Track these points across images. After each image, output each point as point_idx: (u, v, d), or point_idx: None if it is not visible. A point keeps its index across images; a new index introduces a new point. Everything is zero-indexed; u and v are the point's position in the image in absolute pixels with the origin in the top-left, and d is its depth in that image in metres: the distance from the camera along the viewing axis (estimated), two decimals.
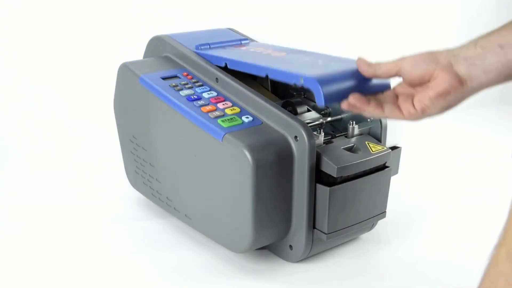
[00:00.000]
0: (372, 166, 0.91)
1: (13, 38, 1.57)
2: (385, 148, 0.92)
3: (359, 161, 0.88)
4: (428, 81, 0.74)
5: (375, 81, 0.80)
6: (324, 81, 0.79)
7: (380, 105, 0.77)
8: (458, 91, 0.72)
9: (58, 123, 1.52)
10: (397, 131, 0.97)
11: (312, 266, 0.97)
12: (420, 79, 0.75)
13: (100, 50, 1.60)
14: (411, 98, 0.75)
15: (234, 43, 1.13)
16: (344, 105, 0.77)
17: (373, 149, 0.91)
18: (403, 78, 0.77)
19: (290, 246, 0.95)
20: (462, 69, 0.72)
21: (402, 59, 0.78)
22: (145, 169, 1.07)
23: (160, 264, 0.97)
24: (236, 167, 0.87)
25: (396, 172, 0.99)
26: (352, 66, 0.80)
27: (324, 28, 1.77)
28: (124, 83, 1.07)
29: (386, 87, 0.81)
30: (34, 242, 1.03)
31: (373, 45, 1.82)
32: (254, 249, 0.95)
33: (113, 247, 1.02)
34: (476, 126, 1.72)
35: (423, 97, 0.73)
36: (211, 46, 1.09)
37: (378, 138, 0.95)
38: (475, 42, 0.73)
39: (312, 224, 0.91)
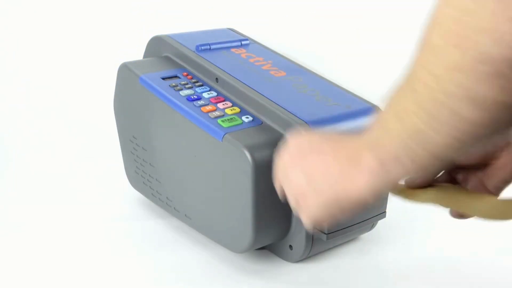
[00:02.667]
0: None
1: (13, 38, 1.57)
2: None
3: None
4: (485, 163, 0.75)
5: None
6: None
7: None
8: None
9: (58, 123, 1.52)
10: None
11: (312, 266, 0.96)
12: (477, 161, 0.75)
13: (100, 50, 1.60)
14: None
15: (234, 43, 1.13)
16: None
17: None
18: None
19: (290, 246, 0.94)
20: None
21: None
22: (145, 169, 1.07)
23: (160, 264, 0.97)
24: (236, 167, 0.87)
25: None
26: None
27: (324, 28, 1.77)
28: (124, 83, 1.07)
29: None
30: (34, 242, 1.03)
31: (373, 44, 1.82)
32: (254, 249, 0.95)
33: (113, 247, 1.02)
34: None
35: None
36: (211, 46, 1.09)
37: None
38: None
39: None
